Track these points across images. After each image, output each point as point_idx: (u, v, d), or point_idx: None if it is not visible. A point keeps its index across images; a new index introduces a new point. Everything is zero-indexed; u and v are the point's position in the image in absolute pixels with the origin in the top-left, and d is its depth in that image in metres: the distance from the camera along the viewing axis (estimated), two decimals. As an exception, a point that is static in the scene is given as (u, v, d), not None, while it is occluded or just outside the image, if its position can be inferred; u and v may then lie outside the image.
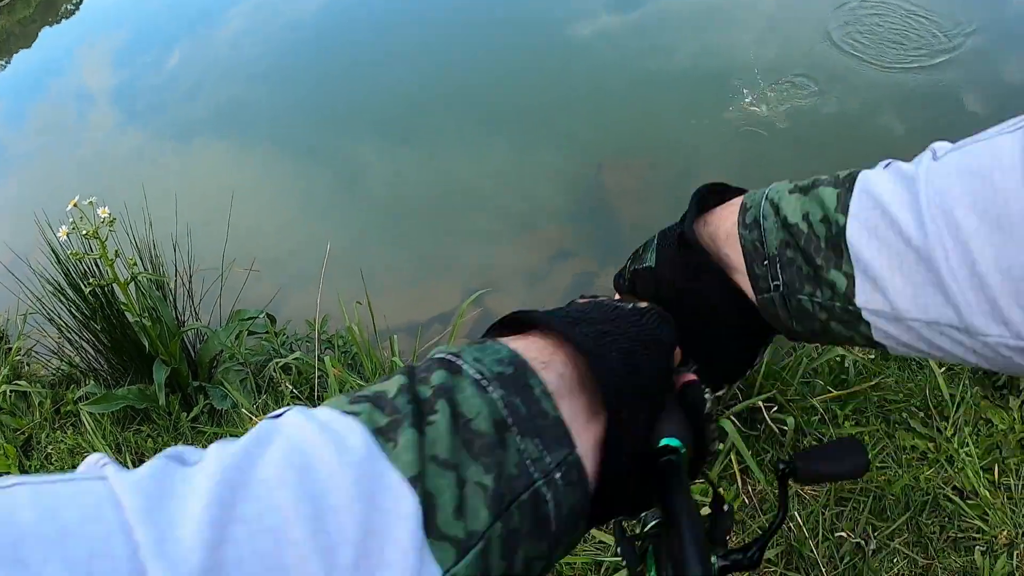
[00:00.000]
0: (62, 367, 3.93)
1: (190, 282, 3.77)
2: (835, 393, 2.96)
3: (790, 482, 0.81)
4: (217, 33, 10.08)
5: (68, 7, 13.46)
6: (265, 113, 7.45)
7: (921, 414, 2.98)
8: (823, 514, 2.65)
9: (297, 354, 3.55)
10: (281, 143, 6.86)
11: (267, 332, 3.77)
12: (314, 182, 6.17)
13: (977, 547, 2.57)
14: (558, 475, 0.52)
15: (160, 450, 0.61)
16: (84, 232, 2.87)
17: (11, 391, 3.76)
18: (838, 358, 3.09)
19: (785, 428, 2.86)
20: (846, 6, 6.50)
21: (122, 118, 8.36)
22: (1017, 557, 2.52)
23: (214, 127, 7.48)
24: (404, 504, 0.44)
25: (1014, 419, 2.89)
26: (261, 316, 3.78)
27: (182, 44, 10.00)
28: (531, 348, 0.59)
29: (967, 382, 3.00)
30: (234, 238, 4.15)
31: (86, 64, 10.37)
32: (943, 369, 3.04)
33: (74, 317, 3.54)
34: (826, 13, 6.46)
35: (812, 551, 2.53)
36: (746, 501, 2.73)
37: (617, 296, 0.92)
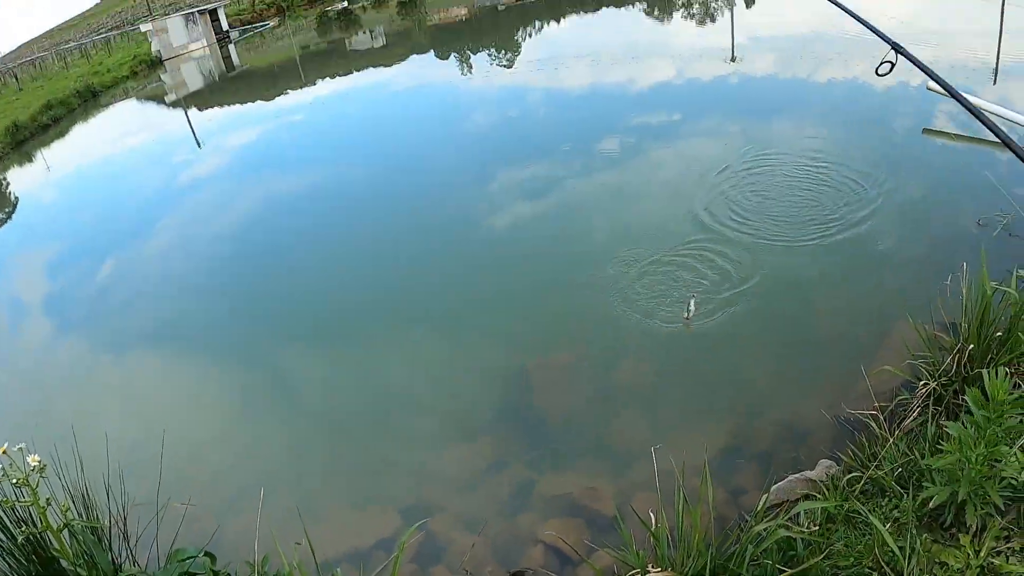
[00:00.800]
0: (-4, 618, 3.72)
1: (125, 522, 3.65)
2: (788, 572, 2.93)
3: None
4: (148, 245, 10.20)
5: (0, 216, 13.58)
6: (198, 324, 7.45)
7: (875, 574, 2.95)
8: None
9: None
10: (215, 354, 6.81)
11: (206, 573, 3.63)
12: (249, 394, 6.08)
13: None
14: None
15: None
16: (14, 480, 2.81)
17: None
18: (784, 538, 3.02)
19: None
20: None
21: (56, 330, 8.27)
22: None
23: (148, 339, 7.38)
24: None
25: (968, 555, 2.86)
26: (200, 555, 3.66)
27: (115, 256, 10.07)
28: None
29: (914, 531, 2.98)
30: (170, 466, 4.07)
31: (18, 274, 10.40)
32: (888, 525, 3.03)
33: (7, 563, 3.39)
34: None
35: None
36: None
37: None
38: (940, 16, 18.27)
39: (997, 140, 8.42)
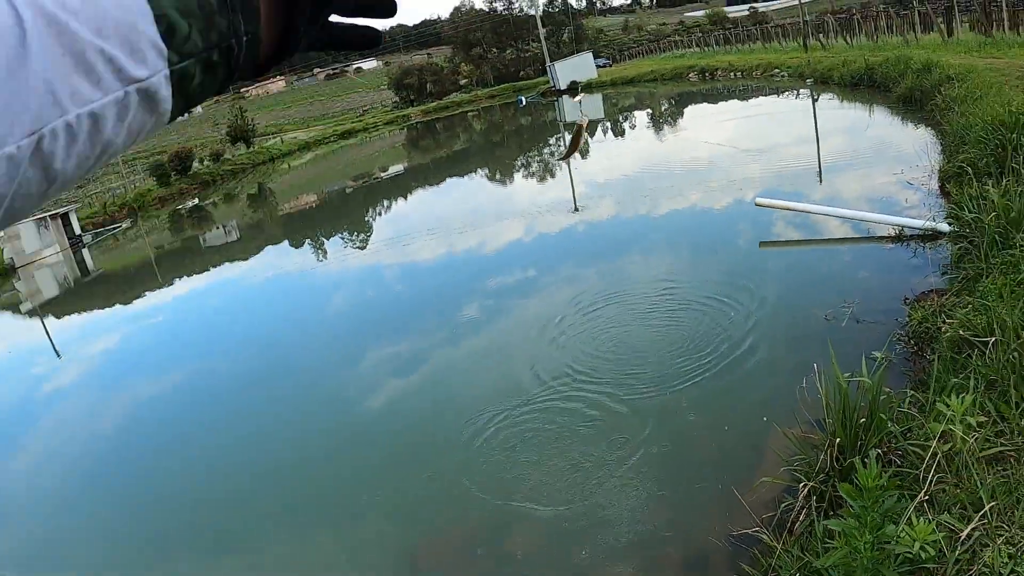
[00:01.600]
0: None
1: None
2: None
3: None
4: (12, 463, 10.11)
5: None
6: (71, 550, 7.28)
7: None
8: None
9: None
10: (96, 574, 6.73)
11: None
12: None
13: None
14: None
15: None
16: None
17: None
18: None
19: None
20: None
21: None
22: None
23: (22, 565, 7.20)
24: None
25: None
26: None
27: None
28: None
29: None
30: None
31: None
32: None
33: None
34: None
35: None
36: None
37: None
38: (760, 134, 20.29)
39: (831, 238, 9.82)
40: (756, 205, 10.86)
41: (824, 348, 5.74)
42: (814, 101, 24.30)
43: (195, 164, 64.52)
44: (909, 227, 9.33)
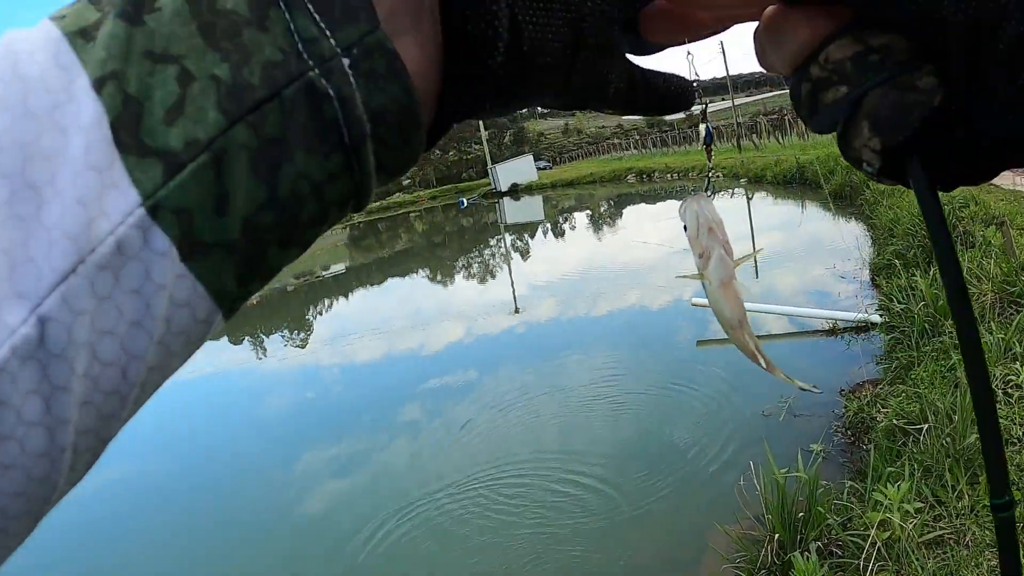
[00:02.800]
0: None
1: None
2: None
3: None
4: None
5: None
6: None
7: None
8: None
9: None
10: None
11: None
12: None
13: None
14: (347, 62, 0.38)
15: None
16: None
17: None
18: None
19: None
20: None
21: None
22: None
23: None
24: (83, 113, 0.34)
25: None
26: None
27: None
28: None
29: None
30: None
31: None
32: None
33: None
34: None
35: None
36: None
37: None
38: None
39: (768, 334, 9.88)
40: (692, 305, 11.06)
41: (759, 441, 5.82)
42: (748, 199, 25.04)
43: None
44: (842, 320, 9.55)
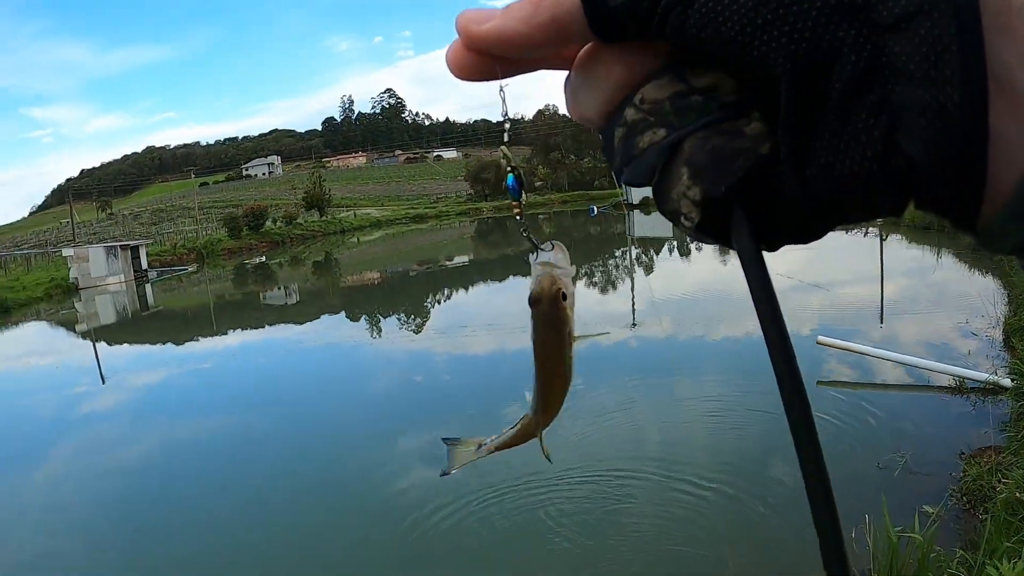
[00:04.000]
0: None
1: None
2: None
3: None
4: (36, 473, 10.19)
5: None
6: (79, 562, 7.30)
7: None
8: None
9: None
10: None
11: None
12: None
13: None
14: None
15: None
16: None
17: None
18: None
19: None
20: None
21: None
22: None
23: (24, 569, 7.23)
24: None
25: None
26: None
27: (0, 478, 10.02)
28: None
29: None
30: None
31: None
32: None
33: None
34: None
35: None
36: None
37: None
38: (824, 267, 20.09)
39: (889, 383, 9.42)
40: (817, 344, 10.63)
41: (873, 496, 5.56)
42: (882, 240, 24.08)
43: (268, 223, 66.17)
44: (969, 379, 9.05)
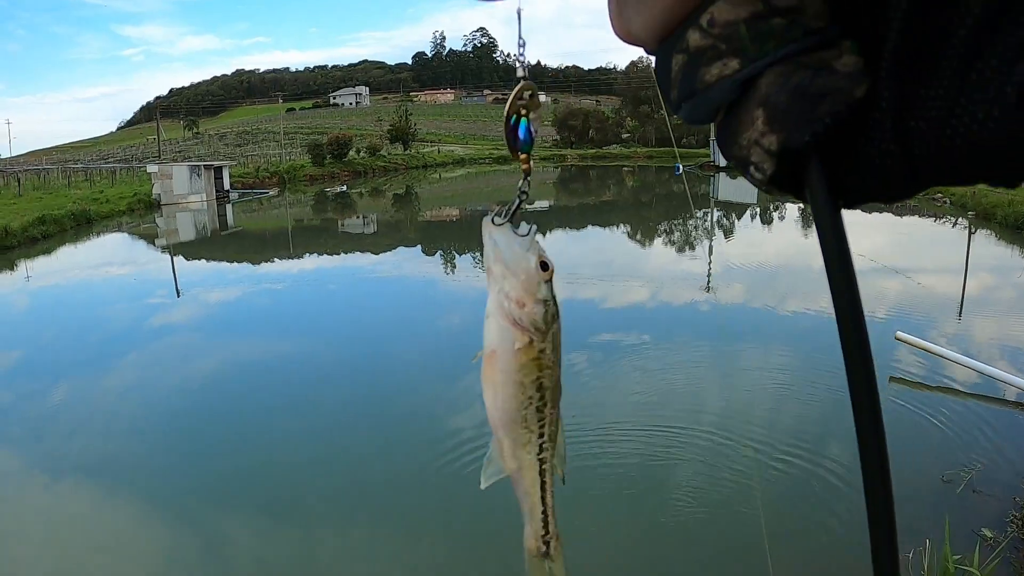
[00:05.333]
0: None
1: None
2: None
3: None
4: (107, 379, 10.32)
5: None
6: (140, 468, 7.40)
7: None
8: None
9: None
10: (151, 502, 6.72)
11: None
12: (176, 553, 5.95)
13: None
14: None
15: None
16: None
17: None
18: None
19: None
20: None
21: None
22: None
23: (87, 471, 7.34)
24: None
25: None
26: None
27: (71, 381, 10.14)
28: None
29: None
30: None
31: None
32: None
33: None
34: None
35: None
36: None
37: None
38: (905, 253, 19.39)
39: (963, 390, 8.88)
40: (896, 339, 9.92)
41: (933, 514, 5.37)
42: (970, 233, 22.96)
43: (351, 152, 66.58)
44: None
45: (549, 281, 0.60)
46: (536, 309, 0.60)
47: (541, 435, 0.63)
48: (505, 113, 0.55)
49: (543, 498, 0.68)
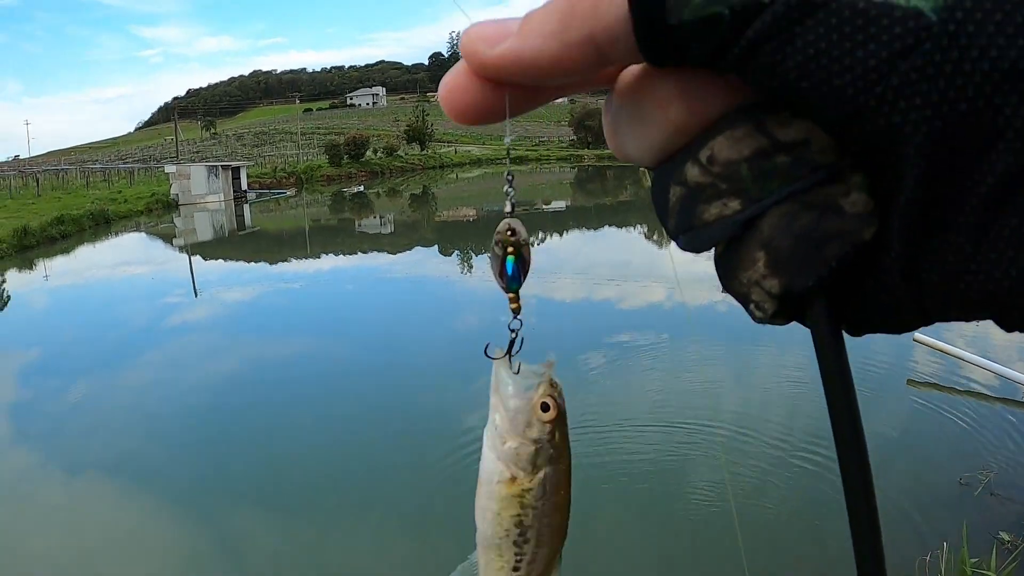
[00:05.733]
0: None
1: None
2: None
3: None
4: (124, 378, 10.36)
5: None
6: (157, 466, 7.42)
7: None
8: None
9: None
10: (168, 499, 6.73)
11: None
12: (195, 547, 5.98)
13: None
14: None
15: None
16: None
17: None
18: None
19: None
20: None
21: (10, 438, 8.35)
22: None
23: (105, 468, 7.37)
24: None
25: None
26: None
27: (90, 380, 10.19)
28: None
29: None
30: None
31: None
32: None
33: None
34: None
35: None
36: None
37: None
38: None
39: (982, 392, 8.72)
40: (914, 341, 9.77)
41: (950, 517, 5.32)
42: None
43: (368, 153, 66.76)
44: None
45: (550, 423, 0.56)
46: (521, 448, 0.57)
47: (516, 569, 0.59)
48: (491, 251, 0.53)
49: None
